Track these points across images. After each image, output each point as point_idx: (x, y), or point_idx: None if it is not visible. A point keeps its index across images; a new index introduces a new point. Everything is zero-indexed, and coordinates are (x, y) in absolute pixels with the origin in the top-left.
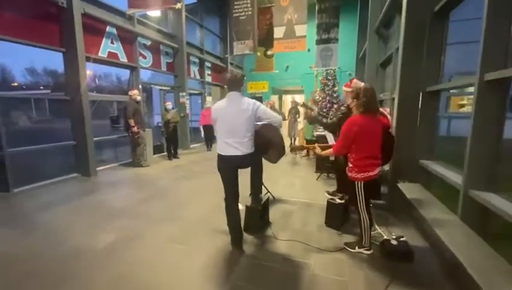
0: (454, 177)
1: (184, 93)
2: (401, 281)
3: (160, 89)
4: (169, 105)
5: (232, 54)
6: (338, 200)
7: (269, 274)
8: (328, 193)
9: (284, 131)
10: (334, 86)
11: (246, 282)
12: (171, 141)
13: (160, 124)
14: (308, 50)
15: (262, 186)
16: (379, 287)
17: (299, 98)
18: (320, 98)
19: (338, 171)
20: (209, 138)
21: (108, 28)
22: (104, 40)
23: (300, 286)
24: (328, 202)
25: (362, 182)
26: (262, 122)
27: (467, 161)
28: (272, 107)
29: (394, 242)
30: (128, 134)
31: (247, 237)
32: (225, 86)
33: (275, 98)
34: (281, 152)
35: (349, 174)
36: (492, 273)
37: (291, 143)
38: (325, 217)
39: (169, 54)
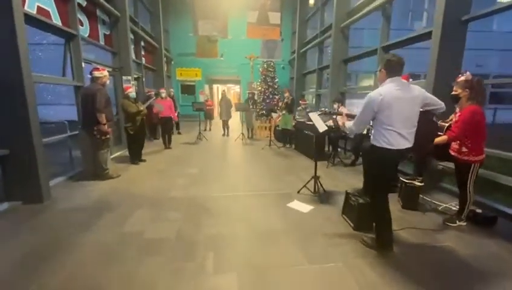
0: None
1: (129, 77)
2: None
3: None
4: (132, 92)
5: (197, 33)
6: (418, 183)
7: (444, 268)
8: (406, 179)
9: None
10: (273, 78)
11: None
12: (136, 140)
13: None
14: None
15: (318, 182)
16: None
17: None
18: (262, 89)
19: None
20: (168, 132)
21: None
22: None
23: (487, 269)
24: (406, 185)
25: (478, 164)
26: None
27: None
28: (224, 97)
29: (479, 210)
30: (94, 133)
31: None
32: (381, 70)
33: (206, 88)
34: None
35: (465, 158)
36: None
37: (249, 134)
38: (402, 200)
39: (106, 24)
